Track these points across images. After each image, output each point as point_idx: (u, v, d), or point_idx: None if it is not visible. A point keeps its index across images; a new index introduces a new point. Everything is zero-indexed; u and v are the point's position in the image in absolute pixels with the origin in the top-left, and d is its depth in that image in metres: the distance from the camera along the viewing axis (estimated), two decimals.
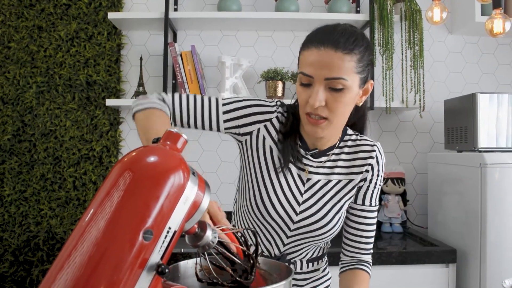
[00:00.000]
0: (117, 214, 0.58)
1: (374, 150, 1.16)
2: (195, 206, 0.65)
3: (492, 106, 2.05)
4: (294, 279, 1.21)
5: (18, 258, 2.42)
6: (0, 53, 2.46)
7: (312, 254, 1.23)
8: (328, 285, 1.30)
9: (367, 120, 1.26)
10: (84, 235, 0.58)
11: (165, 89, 2.26)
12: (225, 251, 0.77)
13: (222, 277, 0.79)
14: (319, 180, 1.15)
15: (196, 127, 1.15)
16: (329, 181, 1.16)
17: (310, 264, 1.23)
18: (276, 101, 1.18)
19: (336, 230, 1.18)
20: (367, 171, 1.16)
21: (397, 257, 1.94)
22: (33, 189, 2.43)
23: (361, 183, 1.18)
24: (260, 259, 0.87)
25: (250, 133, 1.16)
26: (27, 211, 2.43)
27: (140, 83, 2.38)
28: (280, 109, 1.17)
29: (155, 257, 0.59)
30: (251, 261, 0.78)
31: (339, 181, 1.16)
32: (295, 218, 1.14)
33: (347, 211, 1.21)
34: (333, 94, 1.01)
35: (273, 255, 1.20)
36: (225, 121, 1.14)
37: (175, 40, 2.51)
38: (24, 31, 2.46)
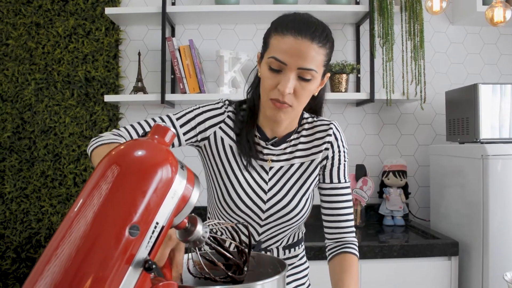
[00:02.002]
0: (103, 209, 0.57)
1: (330, 128, 1.19)
2: (184, 200, 0.64)
3: (494, 96, 2.02)
4: None
5: (20, 255, 2.42)
6: None
7: (288, 241, 1.24)
8: (307, 274, 1.31)
9: (323, 105, 1.29)
10: (70, 230, 0.56)
11: (163, 84, 2.25)
12: (217, 246, 0.76)
13: (216, 272, 0.78)
14: (281, 167, 1.18)
15: None
16: (291, 165, 1.19)
17: (287, 251, 1.25)
18: (224, 101, 1.21)
19: (306, 213, 1.20)
20: (326, 149, 1.19)
21: (399, 250, 1.93)
22: (33, 186, 2.43)
23: (324, 162, 1.20)
24: (253, 253, 0.86)
25: (207, 138, 1.18)
26: (28, 208, 2.43)
27: (139, 79, 2.37)
28: (229, 108, 1.20)
29: (142, 252, 0.58)
30: (244, 256, 0.77)
31: (301, 164, 1.19)
32: (264, 207, 1.16)
33: (320, 193, 1.23)
34: (302, 83, 1.04)
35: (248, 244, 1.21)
36: (184, 134, 1.16)
37: (173, 34, 2.49)
38: (22, 28, 2.45)
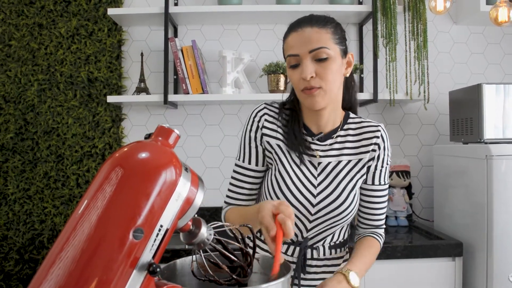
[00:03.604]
0: (107, 212, 0.57)
1: (378, 130, 1.24)
2: (188, 203, 0.63)
3: (498, 96, 2.01)
4: (314, 266, 1.25)
5: (23, 256, 2.42)
6: (1, 51, 2.45)
7: (333, 239, 1.27)
8: None
9: (357, 103, 1.34)
10: (74, 233, 0.56)
11: (166, 85, 2.24)
12: (221, 249, 0.75)
13: (220, 274, 0.77)
14: (329, 163, 1.22)
15: (256, 189, 1.28)
16: (339, 162, 1.22)
17: (333, 251, 1.27)
18: (261, 104, 1.27)
19: (354, 208, 1.23)
20: (373, 150, 1.23)
21: (402, 251, 1.92)
22: (36, 187, 2.43)
23: (370, 163, 1.24)
24: (258, 255, 0.85)
25: (261, 144, 1.25)
26: (31, 209, 2.43)
27: (142, 79, 2.36)
28: (264, 110, 1.25)
29: (147, 255, 0.58)
30: (248, 259, 0.76)
31: (349, 161, 1.23)
32: (314, 202, 1.20)
33: (360, 192, 1.28)
34: (320, 64, 1.11)
35: (295, 240, 1.25)
36: (256, 164, 1.26)
37: (175, 35, 2.49)
38: (24, 29, 2.45)
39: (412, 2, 2.28)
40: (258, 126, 1.24)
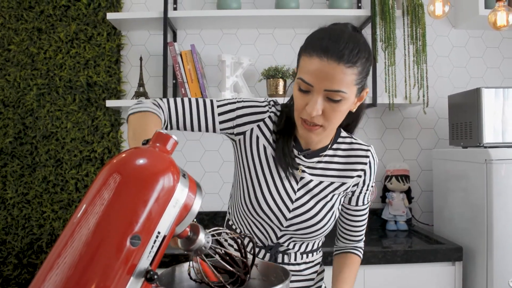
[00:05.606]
0: (104, 219, 0.56)
1: (367, 156, 1.20)
2: (186, 209, 0.63)
3: (497, 100, 2.01)
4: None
5: (21, 261, 2.41)
6: (0, 55, 2.46)
7: (306, 248, 1.24)
8: (322, 278, 1.32)
9: (357, 125, 1.28)
10: (71, 240, 0.56)
11: (165, 89, 2.24)
12: (218, 258, 0.75)
13: (217, 281, 0.77)
14: (311, 180, 1.17)
15: (192, 129, 1.15)
16: (321, 182, 1.18)
17: (304, 256, 1.24)
18: (269, 101, 1.20)
19: (328, 228, 1.20)
20: (359, 176, 1.20)
21: (402, 255, 1.92)
22: (35, 191, 2.43)
23: (354, 188, 1.22)
24: (257, 261, 0.85)
25: (243, 133, 1.18)
26: (30, 214, 2.42)
27: (141, 84, 2.36)
28: (273, 109, 1.19)
29: (144, 262, 0.57)
30: (246, 268, 0.76)
31: (332, 183, 1.18)
32: (288, 215, 1.16)
33: (342, 210, 1.28)
34: (331, 104, 1.01)
35: (267, 245, 1.21)
36: (220, 123, 1.15)
37: (175, 39, 2.49)
38: (23, 34, 2.45)
39: (411, 7, 2.29)
40: (258, 118, 1.17)
